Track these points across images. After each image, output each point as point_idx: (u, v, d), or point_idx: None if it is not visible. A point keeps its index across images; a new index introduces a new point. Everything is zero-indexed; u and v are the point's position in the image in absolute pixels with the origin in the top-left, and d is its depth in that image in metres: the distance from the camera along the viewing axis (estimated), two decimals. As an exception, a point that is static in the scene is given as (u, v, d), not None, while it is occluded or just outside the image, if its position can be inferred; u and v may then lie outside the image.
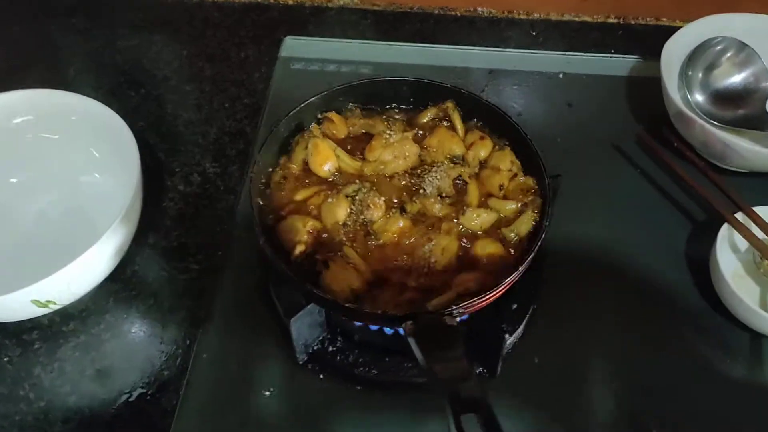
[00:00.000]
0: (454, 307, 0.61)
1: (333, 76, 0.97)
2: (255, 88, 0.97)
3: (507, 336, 0.66)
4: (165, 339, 0.73)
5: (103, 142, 0.80)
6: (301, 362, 0.70)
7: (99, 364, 0.72)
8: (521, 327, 0.72)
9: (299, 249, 0.67)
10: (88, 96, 0.81)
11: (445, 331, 0.57)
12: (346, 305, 0.61)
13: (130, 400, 0.69)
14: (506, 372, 0.70)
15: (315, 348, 0.71)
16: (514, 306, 0.72)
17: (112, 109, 0.89)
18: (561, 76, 0.98)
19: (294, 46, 1.01)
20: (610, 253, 0.80)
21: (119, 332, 0.74)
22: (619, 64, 0.99)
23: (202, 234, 0.82)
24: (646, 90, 0.93)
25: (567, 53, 1.01)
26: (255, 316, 0.74)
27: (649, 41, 1.03)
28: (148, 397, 0.69)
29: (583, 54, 1.01)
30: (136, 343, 0.74)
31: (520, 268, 0.63)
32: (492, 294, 0.63)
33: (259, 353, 0.71)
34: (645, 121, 0.92)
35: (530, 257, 0.64)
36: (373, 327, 0.71)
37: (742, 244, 0.77)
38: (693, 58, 0.89)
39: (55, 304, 0.70)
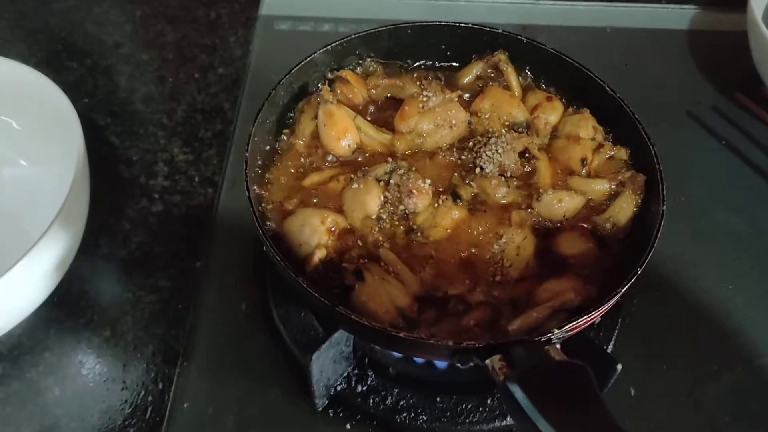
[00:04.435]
0: (555, 331, 0.42)
1: (329, 38, 0.82)
2: (231, 55, 0.85)
3: (618, 366, 0.48)
4: (128, 383, 0.60)
5: (35, 120, 0.67)
6: (320, 408, 0.56)
7: (40, 423, 0.57)
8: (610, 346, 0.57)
9: (319, 256, 0.50)
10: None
11: (563, 373, 0.38)
12: (402, 335, 0.43)
13: (84, 472, 0.55)
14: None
15: (338, 388, 0.56)
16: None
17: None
18: (608, 30, 0.87)
19: (277, 0, 0.87)
20: (710, 243, 0.67)
21: (65, 376, 0.60)
22: (675, 15, 0.89)
23: (172, 240, 0.68)
24: (712, 45, 0.84)
25: (613, 4, 0.90)
26: (252, 348, 0.60)
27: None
28: (109, 469, 0.56)
29: (632, 4, 0.90)
30: (89, 390, 0.59)
31: (637, 273, 0.46)
32: (601, 309, 0.45)
33: (261, 399, 0.57)
34: (719, 82, 0.80)
35: (646, 260, 0.46)
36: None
37: None
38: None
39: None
